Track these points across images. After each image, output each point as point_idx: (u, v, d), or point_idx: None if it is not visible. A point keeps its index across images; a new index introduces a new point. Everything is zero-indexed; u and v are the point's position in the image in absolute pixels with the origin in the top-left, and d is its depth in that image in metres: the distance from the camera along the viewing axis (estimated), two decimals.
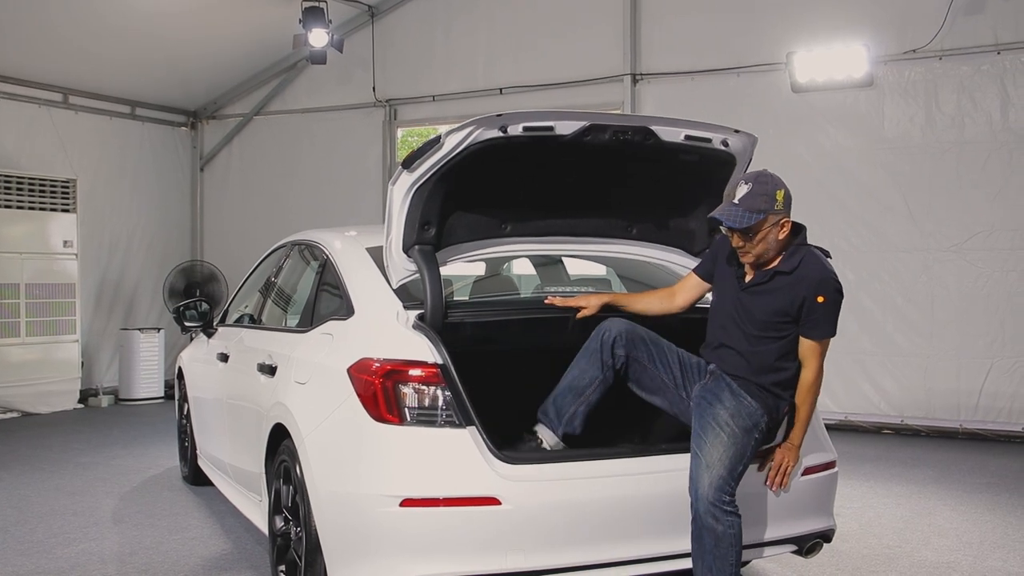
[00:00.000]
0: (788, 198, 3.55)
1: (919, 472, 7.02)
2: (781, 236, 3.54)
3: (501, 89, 10.63)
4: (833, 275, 3.57)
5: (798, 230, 3.62)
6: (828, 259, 3.64)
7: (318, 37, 10.27)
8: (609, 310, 3.93)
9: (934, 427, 8.64)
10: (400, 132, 11.79)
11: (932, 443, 8.32)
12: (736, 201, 3.50)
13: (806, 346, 3.58)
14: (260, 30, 11.14)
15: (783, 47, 9.09)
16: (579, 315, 3.90)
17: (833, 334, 3.61)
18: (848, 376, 8.89)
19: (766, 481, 3.60)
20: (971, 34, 8.44)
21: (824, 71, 8.94)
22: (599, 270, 5.18)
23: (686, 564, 3.49)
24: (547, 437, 3.79)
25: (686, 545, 3.42)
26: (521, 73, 10.54)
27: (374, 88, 11.51)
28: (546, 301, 3.95)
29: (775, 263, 3.58)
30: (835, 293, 3.55)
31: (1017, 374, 8.30)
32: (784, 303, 3.54)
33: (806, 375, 3.61)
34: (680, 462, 3.51)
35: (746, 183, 3.52)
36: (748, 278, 3.66)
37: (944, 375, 8.61)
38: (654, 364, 3.78)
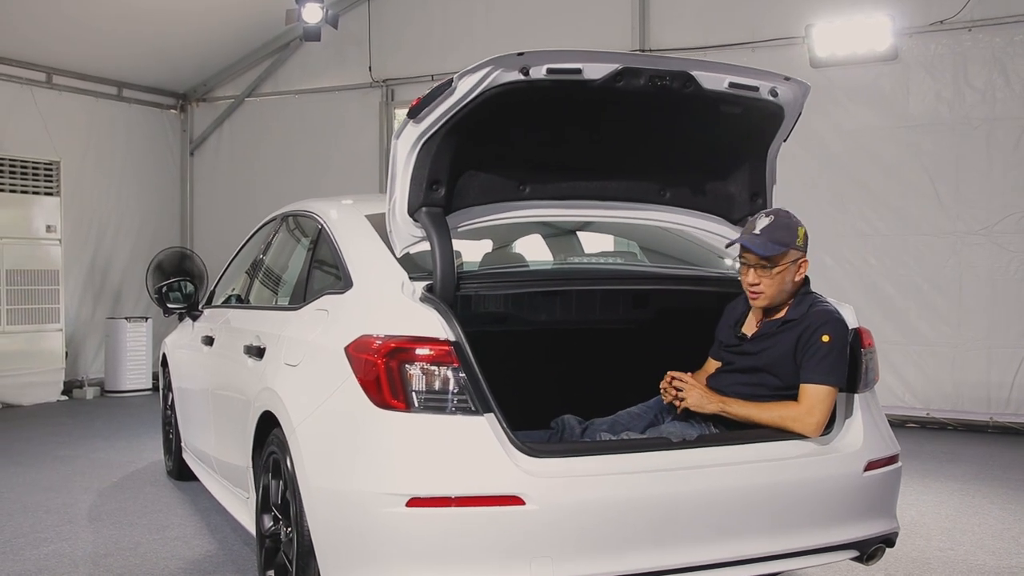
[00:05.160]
0: (807, 238, 3.39)
1: (956, 468, 6.56)
2: (798, 278, 3.37)
3: None
4: (843, 319, 3.35)
5: (805, 280, 3.44)
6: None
7: (312, 12, 9.80)
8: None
9: (962, 420, 8.19)
10: (397, 113, 11.30)
11: (961, 437, 7.88)
12: (757, 232, 3.32)
13: (805, 394, 3.25)
14: (252, 7, 10.68)
15: (801, 19, 8.62)
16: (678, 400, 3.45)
17: (837, 383, 3.26)
18: None
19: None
20: (1004, 2, 7.97)
21: (845, 44, 8.47)
22: (621, 243, 4.73)
23: (752, 571, 3.04)
24: None
25: (748, 549, 2.98)
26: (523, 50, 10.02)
27: (370, 68, 11.06)
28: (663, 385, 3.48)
29: (783, 312, 3.37)
30: (843, 334, 3.29)
31: None
32: (789, 346, 3.31)
33: (798, 408, 3.24)
34: (735, 454, 3.08)
35: (766, 216, 3.39)
36: (752, 331, 3.44)
37: (973, 366, 8.16)
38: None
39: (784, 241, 3.31)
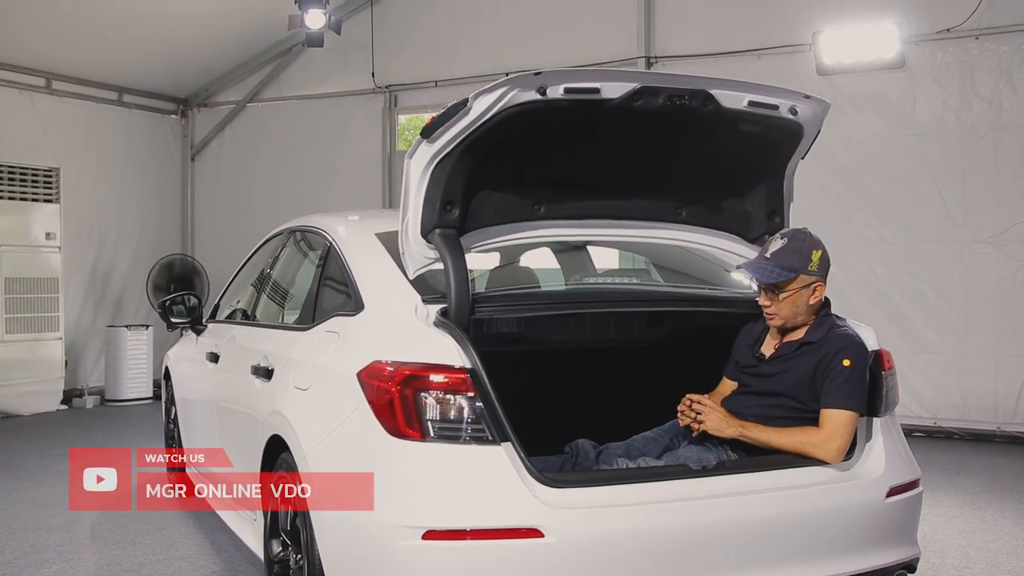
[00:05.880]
0: (826, 262, 3.34)
1: (966, 480, 6.51)
2: (812, 301, 3.32)
3: (507, 73, 9.98)
4: (863, 343, 3.30)
5: (825, 302, 3.41)
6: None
7: (315, 18, 9.73)
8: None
9: (969, 430, 8.13)
10: (402, 119, 11.25)
11: (969, 447, 7.82)
12: (768, 255, 3.30)
13: (826, 419, 3.20)
14: (254, 12, 10.61)
15: (808, 27, 8.57)
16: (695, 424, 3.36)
17: (858, 408, 3.23)
18: None
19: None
20: (1011, 11, 7.92)
21: (852, 52, 8.43)
22: (631, 260, 4.67)
23: None
24: None
25: None
26: (529, 57, 9.93)
27: (373, 73, 10.98)
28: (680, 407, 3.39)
29: (801, 334, 3.33)
30: (863, 358, 3.25)
31: None
32: (808, 370, 3.26)
33: (819, 434, 3.19)
34: (756, 482, 3.03)
35: (781, 238, 3.37)
36: (770, 352, 3.39)
37: (980, 375, 8.10)
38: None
39: (793, 267, 3.28)
